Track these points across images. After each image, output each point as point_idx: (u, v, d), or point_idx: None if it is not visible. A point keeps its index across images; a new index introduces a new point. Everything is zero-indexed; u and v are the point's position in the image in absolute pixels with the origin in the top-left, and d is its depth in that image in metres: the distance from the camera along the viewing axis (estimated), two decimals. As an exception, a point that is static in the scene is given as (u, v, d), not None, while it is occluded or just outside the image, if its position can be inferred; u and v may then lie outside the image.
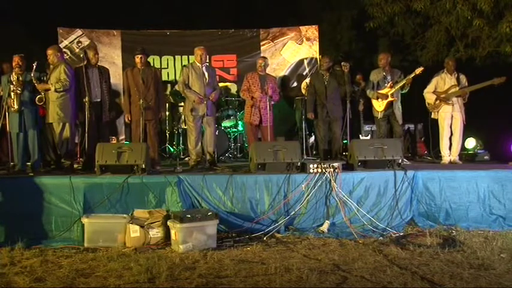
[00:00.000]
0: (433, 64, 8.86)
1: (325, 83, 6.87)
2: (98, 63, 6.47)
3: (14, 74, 5.80)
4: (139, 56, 6.38)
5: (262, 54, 8.78)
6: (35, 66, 5.83)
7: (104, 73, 6.50)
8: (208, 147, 6.42)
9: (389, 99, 6.77)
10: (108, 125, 6.69)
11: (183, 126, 8.04)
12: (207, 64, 6.58)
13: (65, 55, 7.25)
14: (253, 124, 6.96)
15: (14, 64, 5.83)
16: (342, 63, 7.02)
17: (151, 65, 8.18)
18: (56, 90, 5.89)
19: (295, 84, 9.07)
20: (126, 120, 6.56)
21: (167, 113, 7.95)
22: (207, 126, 6.43)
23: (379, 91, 6.83)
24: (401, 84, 6.66)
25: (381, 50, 8.01)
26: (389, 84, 6.78)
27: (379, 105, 6.89)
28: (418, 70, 6.54)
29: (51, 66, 6.11)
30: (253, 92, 6.91)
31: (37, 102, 5.86)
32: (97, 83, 6.33)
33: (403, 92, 6.80)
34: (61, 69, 5.95)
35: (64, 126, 6.00)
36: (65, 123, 6.00)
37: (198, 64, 6.37)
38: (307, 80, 8.84)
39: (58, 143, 6.02)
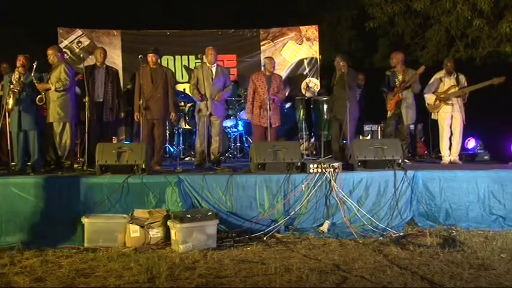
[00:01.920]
0: (433, 64, 8.85)
1: (335, 82, 6.86)
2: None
3: (16, 73, 5.79)
4: (151, 55, 6.39)
5: (262, 54, 8.79)
6: (35, 66, 5.82)
7: (111, 73, 6.57)
8: (211, 146, 6.43)
9: (396, 98, 6.79)
10: (111, 125, 6.69)
11: (183, 126, 8.05)
12: (217, 64, 6.56)
13: (65, 55, 7.24)
14: (262, 126, 6.81)
15: (18, 63, 5.83)
16: (341, 63, 7.01)
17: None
18: (56, 90, 5.89)
19: (295, 84, 9.07)
20: (135, 119, 6.55)
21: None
22: (211, 126, 6.43)
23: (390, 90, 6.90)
24: (407, 84, 6.67)
25: (393, 49, 7.98)
26: (397, 83, 6.81)
27: (388, 104, 6.93)
28: (420, 69, 6.62)
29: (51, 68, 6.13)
30: (260, 94, 6.78)
31: (37, 102, 5.85)
32: (101, 83, 6.39)
33: (414, 92, 6.79)
34: (61, 68, 5.95)
35: (64, 126, 6.01)
36: (65, 123, 6.00)
37: (208, 64, 6.41)
38: (307, 80, 8.85)
39: (58, 142, 6.01)
